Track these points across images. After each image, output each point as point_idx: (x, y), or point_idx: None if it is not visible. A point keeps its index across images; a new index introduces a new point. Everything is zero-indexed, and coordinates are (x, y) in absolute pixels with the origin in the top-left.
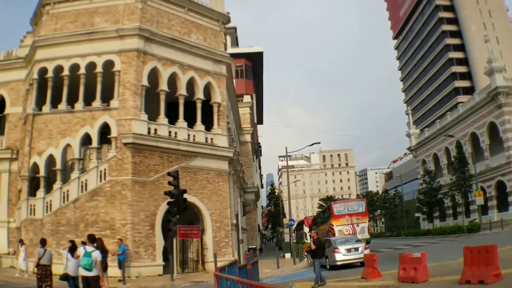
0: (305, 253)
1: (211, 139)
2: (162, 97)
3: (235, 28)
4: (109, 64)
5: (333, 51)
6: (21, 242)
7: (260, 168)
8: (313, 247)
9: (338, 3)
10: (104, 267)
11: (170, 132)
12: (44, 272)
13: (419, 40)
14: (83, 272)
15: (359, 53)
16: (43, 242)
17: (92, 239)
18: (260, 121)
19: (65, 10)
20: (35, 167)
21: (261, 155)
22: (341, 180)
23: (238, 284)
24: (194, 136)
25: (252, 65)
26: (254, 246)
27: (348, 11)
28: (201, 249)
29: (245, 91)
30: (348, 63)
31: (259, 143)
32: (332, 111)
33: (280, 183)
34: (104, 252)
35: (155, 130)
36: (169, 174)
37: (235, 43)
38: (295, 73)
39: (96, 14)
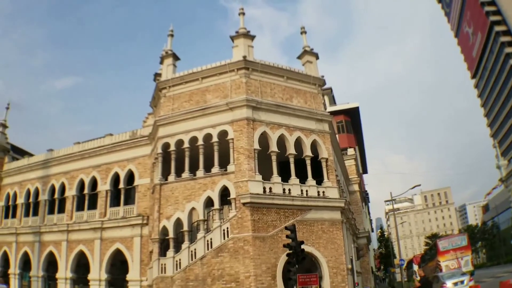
0: None
1: (323, 192)
2: (274, 158)
3: (330, 89)
4: (223, 134)
5: (419, 98)
6: None
7: (369, 213)
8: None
9: (415, 52)
10: None
11: (284, 189)
12: None
13: (494, 76)
14: None
15: (442, 96)
16: None
17: None
18: (365, 170)
19: (180, 91)
20: (164, 230)
21: (369, 202)
22: (443, 217)
23: None
24: (306, 191)
25: (351, 120)
26: (369, 287)
27: (425, 57)
28: None
29: (348, 144)
30: (434, 107)
31: (366, 191)
32: (427, 152)
33: (389, 226)
34: None
35: (270, 188)
36: (286, 228)
37: (333, 101)
38: (389, 122)
39: (207, 92)
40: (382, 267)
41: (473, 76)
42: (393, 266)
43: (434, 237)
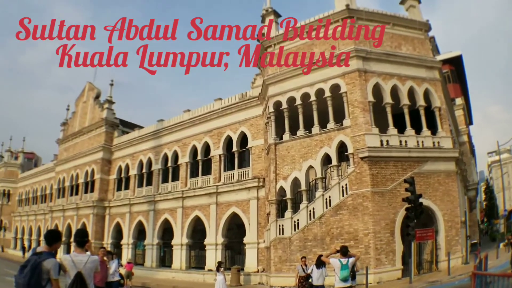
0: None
1: (438, 142)
2: (388, 110)
3: (433, 37)
4: (335, 88)
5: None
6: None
7: (475, 165)
8: None
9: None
10: (353, 275)
11: (400, 141)
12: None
13: None
14: (341, 284)
15: None
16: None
17: (345, 252)
18: (471, 121)
19: (285, 48)
20: (281, 191)
21: (475, 154)
22: None
23: (503, 278)
24: (422, 142)
25: (455, 69)
26: (476, 241)
27: None
28: (434, 250)
29: (454, 95)
30: None
31: (473, 143)
32: None
33: (491, 178)
34: None
35: (387, 141)
36: (405, 181)
37: (436, 50)
38: (485, 71)
39: (313, 46)
40: (485, 219)
41: None
42: (495, 218)
43: None
